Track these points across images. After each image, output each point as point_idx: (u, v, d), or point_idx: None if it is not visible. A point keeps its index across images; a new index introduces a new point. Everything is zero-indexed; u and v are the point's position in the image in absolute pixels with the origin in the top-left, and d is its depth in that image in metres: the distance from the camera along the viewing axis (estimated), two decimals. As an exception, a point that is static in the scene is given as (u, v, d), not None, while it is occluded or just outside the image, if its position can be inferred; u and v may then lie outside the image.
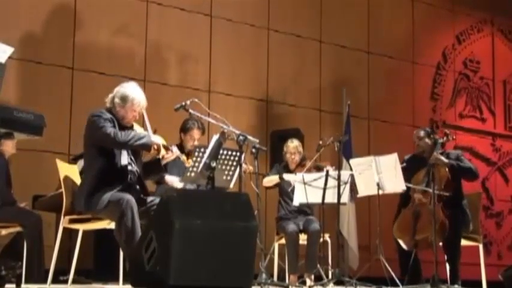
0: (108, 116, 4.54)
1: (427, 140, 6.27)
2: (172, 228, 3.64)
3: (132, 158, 4.62)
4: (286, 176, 6.47)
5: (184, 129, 5.94)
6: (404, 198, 6.26)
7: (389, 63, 9.87)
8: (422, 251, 6.00)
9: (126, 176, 4.54)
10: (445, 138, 6.17)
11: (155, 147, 4.52)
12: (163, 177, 5.64)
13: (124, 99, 4.58)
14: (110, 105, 4.63)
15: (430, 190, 5.76)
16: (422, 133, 6.33)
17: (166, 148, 4.63)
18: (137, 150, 4.64)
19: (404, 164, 6.22)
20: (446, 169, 6.04)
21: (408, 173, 6.17)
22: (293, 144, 6.69)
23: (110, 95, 4.65)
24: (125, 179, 4.53)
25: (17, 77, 6.97)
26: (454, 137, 6.53)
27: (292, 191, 6.29)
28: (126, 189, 4.48)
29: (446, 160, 6.05)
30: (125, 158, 4.54)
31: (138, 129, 4.71)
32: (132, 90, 4.63)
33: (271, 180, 6.62)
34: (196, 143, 5.83)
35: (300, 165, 6.60)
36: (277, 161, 7.41)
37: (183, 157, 4.82)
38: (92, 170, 4.54)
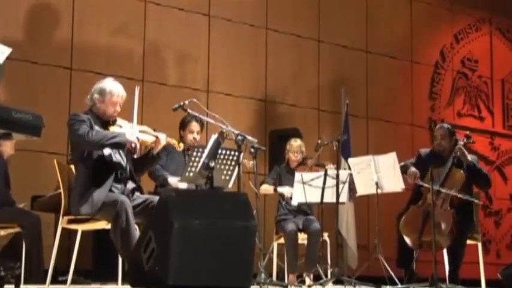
0: (84, 117, 4.54)
1: (449, 139, 6.14)
2: (171, 228, 3.64)
3: (121, 153, 4.61)
4: (280, 189, 6.47)
5: (183, 124, 5.81)
6: (416, 193, 6.11)
7: (387, 62, 9.87)
8: (426, 252, 5.92)
9: (116, 173, 4.53)
10: (465, 140, 6.07)
11: (132, 145, 4.48)
12: (167, 179, 5.60)
13: (102, 92, 4.61)
14: (90, 103, 4.64)
15: (445, 192, 5.68)
16: (445, 131, 6.15)
17: (156, 137, 4.65)
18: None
19: (403, 164, 6.17)
20: (462, 171, 5.94)
21: (424, 167, 5.96)
22: (296, 143, 6.69)
23: (89, 95, 4.67)
24: (116, 175, 4.52)
25: (15, 77, 6.96)
26: (475, 140, 6.36)
27: (290, 197, 6.30)
28: (118, 186, 4.49)
29: (470, 158, 5.97)
30: (114, 155, 4.54)
31: (122, 123, 4.69)
32: (108, 83, 4.66)
33: (266, 189, 6.61)
34: (197, 136, 5.75)
35: (302, 164, 6.61)
36: (276, 161, 7.41)
37: (173, 141, 4.81)
38: (82, 172, 4.55)
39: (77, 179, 4.63)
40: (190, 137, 5.75)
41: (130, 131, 4.57)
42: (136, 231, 4.31)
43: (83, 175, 4.53)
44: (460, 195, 5.78)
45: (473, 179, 6.05)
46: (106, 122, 4.63)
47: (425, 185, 5.83)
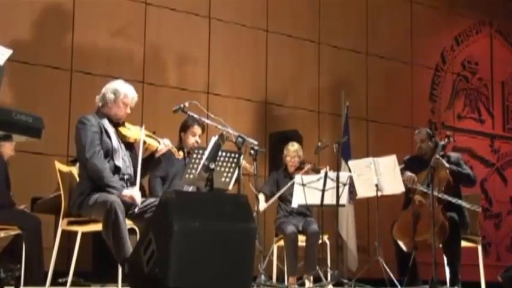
0: (94, 122, 4.53)
1: (428, 142, 6.26)
2: (171, 230, 3.64)
3: (124, 158, 4.61)
4: (262, 207, 6.47)
5: (185, 127, 5.77)
6: (405, 199, 6.25)
7: (387, 64, 9.87)
8: (421, 252, 5.98)
9: (119, 176, 4.54)
10: (446, 140, 6.15)
11: (128, 200, 4.42)
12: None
13: (115, 93, 4.62)
14: (102, 102, 4.64)
15: (429, 192, 5.75)
16: (424, 135, 6.30)
17: (159, 142, 4.67)
18: (129, 148, 4.65)
19: (403, 166, 6.21)
20: (447, 171, 6.03)
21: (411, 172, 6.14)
22: (293, 148, 6.72)
23: (100, 95, 4.68)
24: (119, 180, 4.53)
25: (16, 79, 6.97)
26: (455, 139, 6.51)
27: (291, 194, 6.31)
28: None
29: (447, 164, 6.03)
30: (118, 159, 4.55)
31: (131, 128, 4.70)
32: (122, 85, 4.69)
33: (260, 201, 6.56)
34: (198, 139, 5.72)
35: (299, 168, 6.64)
36: (276, 163, 7.42)
37: (174, 149, 4.82)
38: (85, 173, 4.55)
39: (80, 179, 4.64)
40: (192, 140, 5.71)
41: (131, 191, 4.49)
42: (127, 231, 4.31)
43: (86, 176, 4.54)
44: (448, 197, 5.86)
45: (456, 180, 6.12)
46: (116, 124, 4.63)
47: (423, 189, 5.92)
